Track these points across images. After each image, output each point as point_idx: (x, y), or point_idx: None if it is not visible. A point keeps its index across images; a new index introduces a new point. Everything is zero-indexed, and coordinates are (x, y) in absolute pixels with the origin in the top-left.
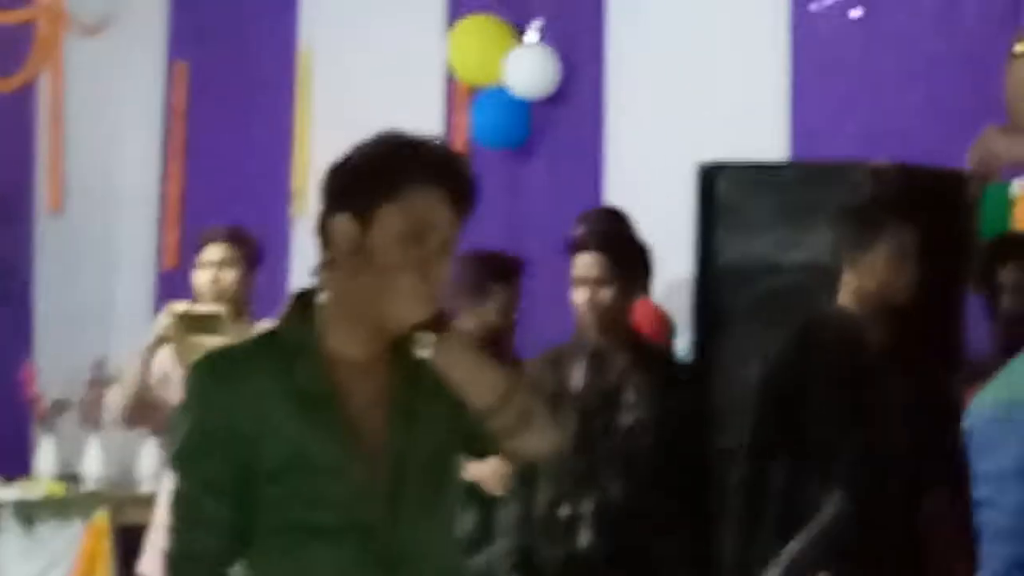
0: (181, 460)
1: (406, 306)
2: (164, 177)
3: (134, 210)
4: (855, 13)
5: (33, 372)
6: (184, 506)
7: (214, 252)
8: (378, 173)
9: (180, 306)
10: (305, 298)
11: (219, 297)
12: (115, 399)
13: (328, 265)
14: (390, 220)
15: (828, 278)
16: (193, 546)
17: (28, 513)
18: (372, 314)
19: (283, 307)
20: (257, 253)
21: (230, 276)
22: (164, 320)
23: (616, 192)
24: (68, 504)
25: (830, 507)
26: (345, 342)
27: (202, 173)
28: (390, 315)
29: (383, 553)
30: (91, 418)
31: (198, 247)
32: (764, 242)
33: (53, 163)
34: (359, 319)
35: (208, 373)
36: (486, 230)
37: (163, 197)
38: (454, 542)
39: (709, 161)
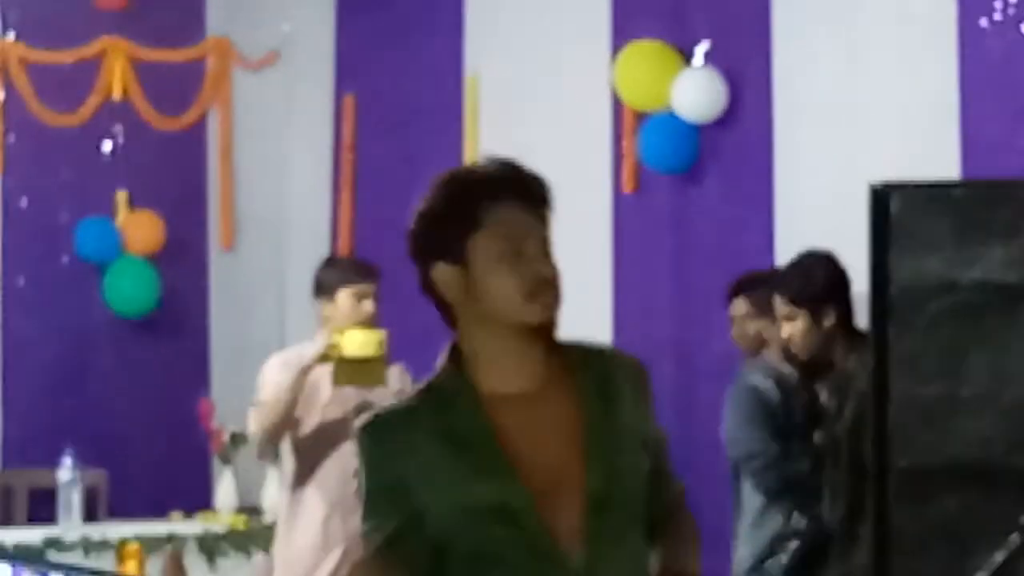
0: (367, 520)
1: (519, 303)
2: (334, 209)
3: (305, 243)
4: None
5: (210, 407)
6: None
7: (369, 286)
8: (452, 212)
9: (344, 330)
10: (455, 348)
11: (360, 326)
12: (260, 419)
13: (451, 316)
14: (482, 249)
15: (1003, 296)
16: None
17: (211, 547)
18: (503, 333)
19: (439, 358)
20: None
21: (373, 308)
22: (330, 338)
23: (786, 214)
24: (249, 537)
25: (1017, 535)
26: (500, 379)
27: (372, 204)
28: (511, 319)
29: None
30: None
31: (344, 277)
32: (938, 262)
33: (224, 199)
34: (499, 349)
35: (374, 430)
36: (656, 254)
37: (333, 229)
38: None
39: (881, 182)
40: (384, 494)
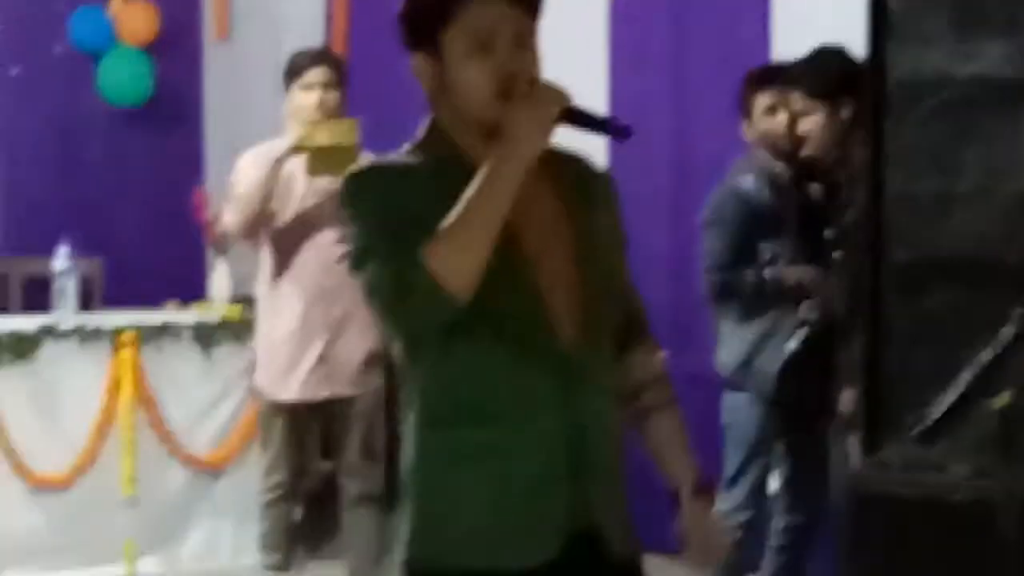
0: (370, 245)
1: (487, 100)
2: (328, 2)
3: (299, 33)
4: None
5: (204, 198)
6: (394, 285)
7: (319, 74)
8: (428, 4)
9: (315, 119)
10: (433, 123)
11: (325, 117)
12: (236, 214)
13: (431, 101)
14: (453, 43)
15: (999, 92)
16: (419, 314)
17: (206, 337)
18: (476, 128)
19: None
20: (347, 75)
21: (334, 97)
22: (301, 130)
23: (783, 7)
24: (244, 326)
25: (1009, 328)
26: (478, 156)
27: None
28: (479, 115)
29: (561, 366)
30: None
31: (297, 69)
32: (935, 56)
33: None
34: (473, 133)
35: (369, 174)
36: (652, 44)
37: (328, 20)
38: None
39: None
40: (390, 215)
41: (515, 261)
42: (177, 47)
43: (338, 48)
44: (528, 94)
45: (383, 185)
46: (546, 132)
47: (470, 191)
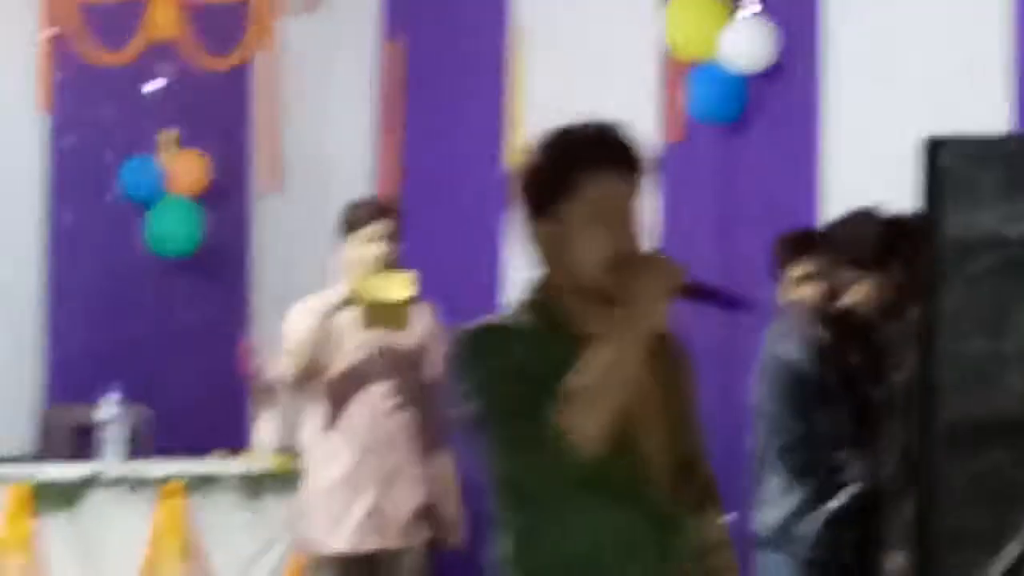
0: (492, 404)
1: (601, 272)
2: (379, 155)
3: (349, 188)
4: None
5: (250, 349)
6: (524, 442)
7: (382, 227)
8: (551, 176)
9: (369, 272)
10: (543, 287)
11: (385, 270)
12: (287, 364)
13: (545, 266)
14: (573, 216)
15: None
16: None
17: (253, 486)
18: (589, 288)
19: (519, 292)
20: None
21: (395, 250)
22: (355, 282)
23: (833, 166)
24: (290, 477)
25: None
26: (583, 328)
27: (416, 151)
28: (586, 272)
29: (662, 525)
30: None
31: (358, 221)
32: (988, 216)
33: (269, 142)
34: (585, 300)
35: (486, 334)
36: (700, 205)
37: (378, 175)
38: None
39: (934, 134)
40: (506, 374)
41: (622, 426)
42: (227, 197)
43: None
44: (651, 266)
45: (500, 346)
46: (667, 303)
47: (598, 355)
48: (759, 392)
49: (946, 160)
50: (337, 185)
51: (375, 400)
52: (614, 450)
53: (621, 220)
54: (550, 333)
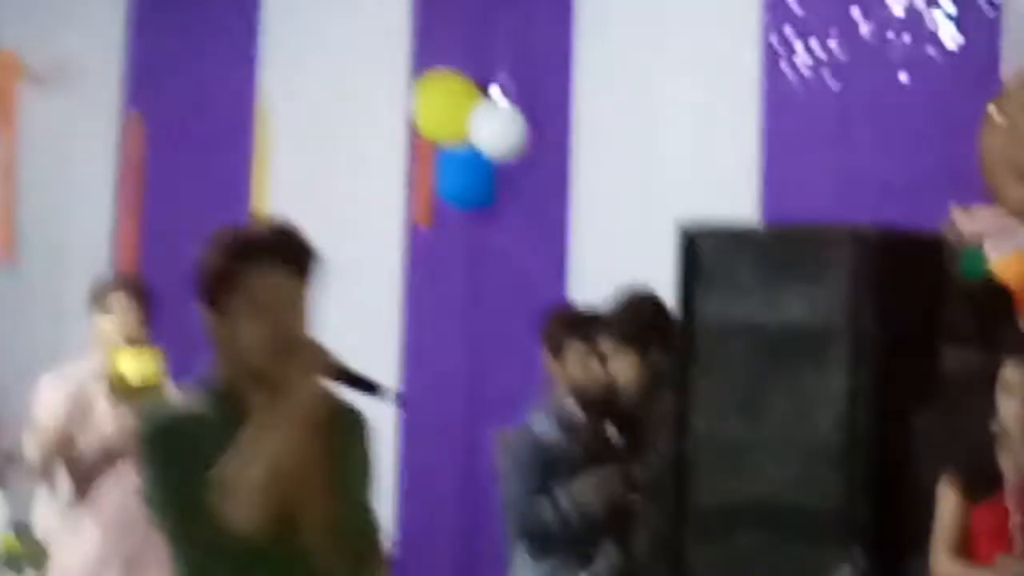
0: (160, 483)
1: (265, 358)
2: (117, 229)
3: (86, 262)
4: (829, 79)
5: None
6: (182, 520)
7: (118, 299)
8: (220, 271)
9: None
10: (217, 370)
11: (126, 343)
12: (38, 441)
13: (215, 351)
14: (240, 306)
15: (802, 341)
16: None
17: None
18: (254, 372)
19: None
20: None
21: (132, 322)
22: (103, 356)
23: (581, 253)
24: (24, 557)
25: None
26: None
27: (156, 224)
28: (251, 359)
29: None
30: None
31: (98, 294)
32: (744, 303)
33: (4, 214)
34: (251, 383)
35: (160, 417)
36: (450, 288)
37: (115, 249)
38: None
39: (689, 223)
40: (182, 469)
41: (279, 502)
42: None
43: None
44: (302, 352)
45: (172, 428)
46: (318, 385)
47: (252, 439)
48: (505, 465)
49: (702, 248)
50: (72, 259)
51: (125, 478)
52: (273, 526)
53: (283, 311)
54: (225, 420)
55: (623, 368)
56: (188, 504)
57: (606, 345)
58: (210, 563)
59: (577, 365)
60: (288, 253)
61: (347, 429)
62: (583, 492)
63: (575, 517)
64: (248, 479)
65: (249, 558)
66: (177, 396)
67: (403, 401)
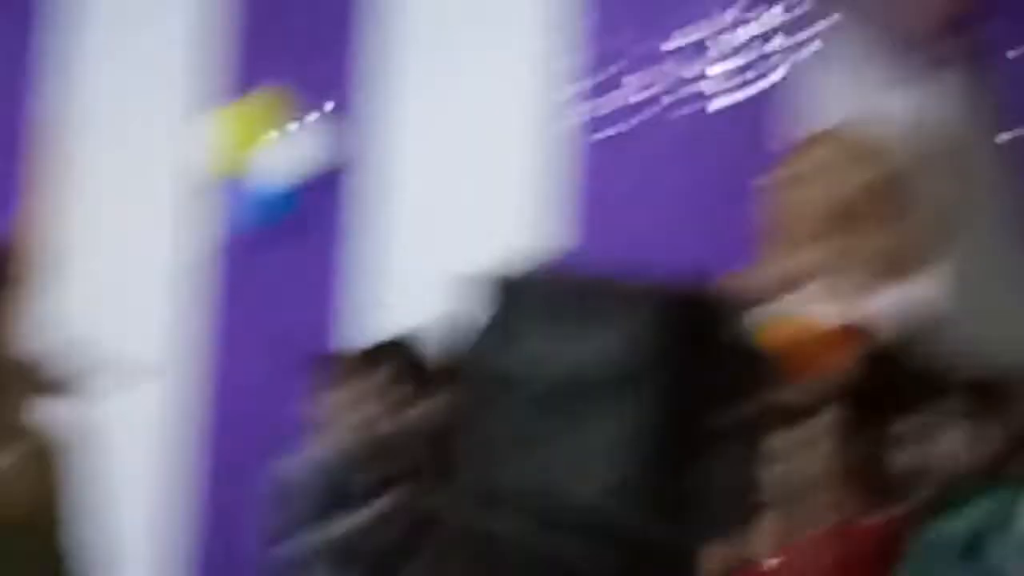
0: None
1: None
2: None
3: None
4: (619, 128)
5: None
6: None
7: None
8: None
9: None
10: None
11: None
12: None
13: None
14: None
15: (587, 387)
16: None
17: None
18: None
19: None
20: None
21: None
22: None
23: (359, 291)
24: None
25: None
26: None
27: None
28: None
29: None
30: None
31: None
32: (523, 351)
33: None
34: None
35: None
36: (218, 319)
37: None
38: None
39: (474, 265)
40: None
41: None
42: None
43: None
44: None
45: None
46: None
47: None
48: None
49: (485, 293)
50: None
51: None
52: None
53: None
54: None
55: (396, 415)
56: None
57: (378, 391)
58: None
59: (345, 407)
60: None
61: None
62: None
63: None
64: None
65: None
66: None
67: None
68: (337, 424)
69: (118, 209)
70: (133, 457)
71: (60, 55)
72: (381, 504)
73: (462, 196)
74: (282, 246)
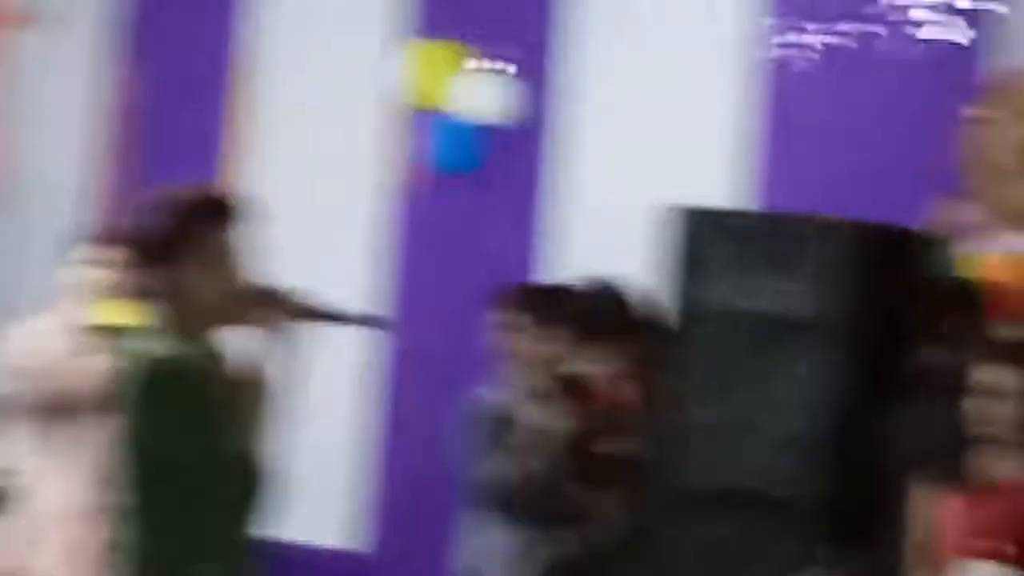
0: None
1: (213, 294)
2: (90, 175)
3: (55, 208)
4: (820, 69)
5: None
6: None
7: (109, 252)
8: (172, 232)
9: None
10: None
11: (109, 293)
12: (5, 393)
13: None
14: (192, 262)
15: (774, 328)
16: None
17: None
18: (208, 316)
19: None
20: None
21: (121, 276)
22: (78, 307)
23: (555, 227)
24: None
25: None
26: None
27: (130, 176)
28: (207, 307)
29: None
30: None
31: (83, 244)
32: (719, 289)
33: None
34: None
35: (168, 365)
36: (428, 254)
37: (90, 195)
38: None
39: (673, 206)
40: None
41: None
42: None
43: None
44: (263, 299)
45: (184, 372)
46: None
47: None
48: (462, 434)
49: (683, 231)
50: (50, 206)
51: (90, 428)
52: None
53: (229, 264)
54: (206, 362)
55: (583, 362)
56: (216, 447)
57: (567, 337)
58: (216, 507)
59: (530, 344)
60: (229, 212)
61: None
62: (515, 460)
63: (512, 486)
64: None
65: (242, 507)
66: (151, 342)
67: (387, 324)
68: (525, 361)
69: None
70: (328, 386)
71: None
72: (559, 444)
73: (657, 138)
74: (476, 185)
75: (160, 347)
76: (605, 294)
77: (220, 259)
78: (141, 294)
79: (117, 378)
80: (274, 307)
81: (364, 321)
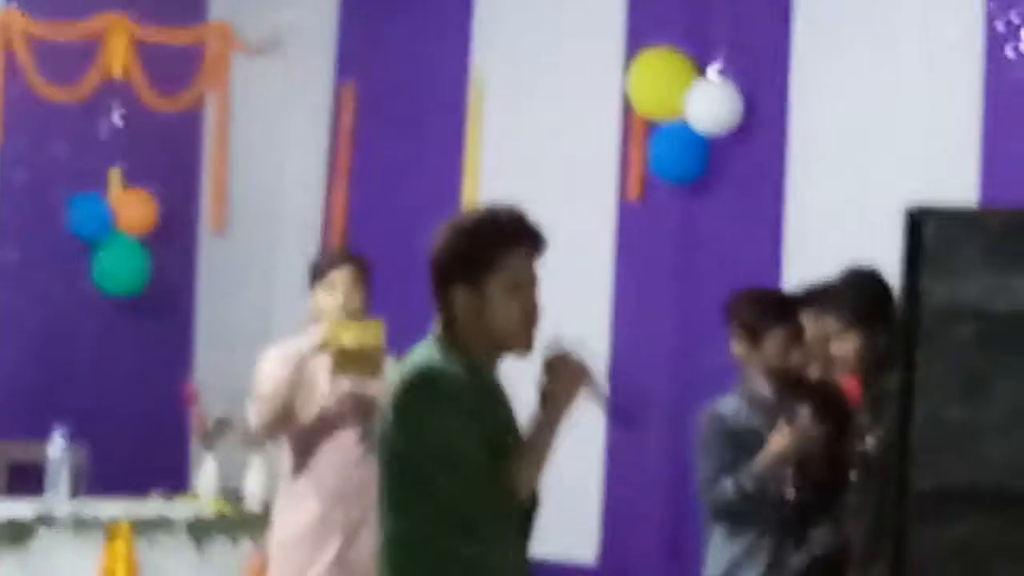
0: (451, 441)
1: (521, 338)
2: (328, 198)
3: (296, 231)
4: None
5: (194, 391)
6: (481, 485)
7: (342, 275)
8: (477, 252)
9: (334, 319)
10: (456, 337)
11: (348, 317)
12: (260, 413)
13: (450, 323)
14: (496, 286)
15: None
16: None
17: (200, 531)
18: (505, 344)
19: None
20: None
21: (357, 298)
22: (326, 329)
23: (795, 232)
24: (237, 523)
25: None
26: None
27: (367, 196)
28: (510, 347)
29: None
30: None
31: (321, 269)
32: (968, 288)
33: (217, 183)
34: (495, 352)
35: (432, 377)
36: (658, 264)
37: (326, 218)
38: None
39: (916, 205)
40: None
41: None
42: (173, 238)
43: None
44: (569, 371)
45: (449, 388)
46: (575, 400)
47: (536, 437)
48: (697, 446)
49: (929, 230)
50: (284, 229)
51: (345, 447)
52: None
53: (531, 290)
54: (477, 382)
55: (845, 349)
56: (478, 460)
57: (830, 325)
58: (489, 520)
59: (777, 350)
60: (535, 238)
61: None
62: (764, 472)
63: (757, 496)
64: (539, 460)
65: (505, 523)
66: (427, 357)
67: (631, 422)
68: (758, 367)
69: (554, 154)
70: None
71: (497, 12)
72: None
73: (897, 137)
74: (717, 188)
75: (434, 360)
76: (867, 281)
77: (522, 284)
78: (442, 311)
79: (387, 392)
80: (574, 383)
81: (618, 414)
